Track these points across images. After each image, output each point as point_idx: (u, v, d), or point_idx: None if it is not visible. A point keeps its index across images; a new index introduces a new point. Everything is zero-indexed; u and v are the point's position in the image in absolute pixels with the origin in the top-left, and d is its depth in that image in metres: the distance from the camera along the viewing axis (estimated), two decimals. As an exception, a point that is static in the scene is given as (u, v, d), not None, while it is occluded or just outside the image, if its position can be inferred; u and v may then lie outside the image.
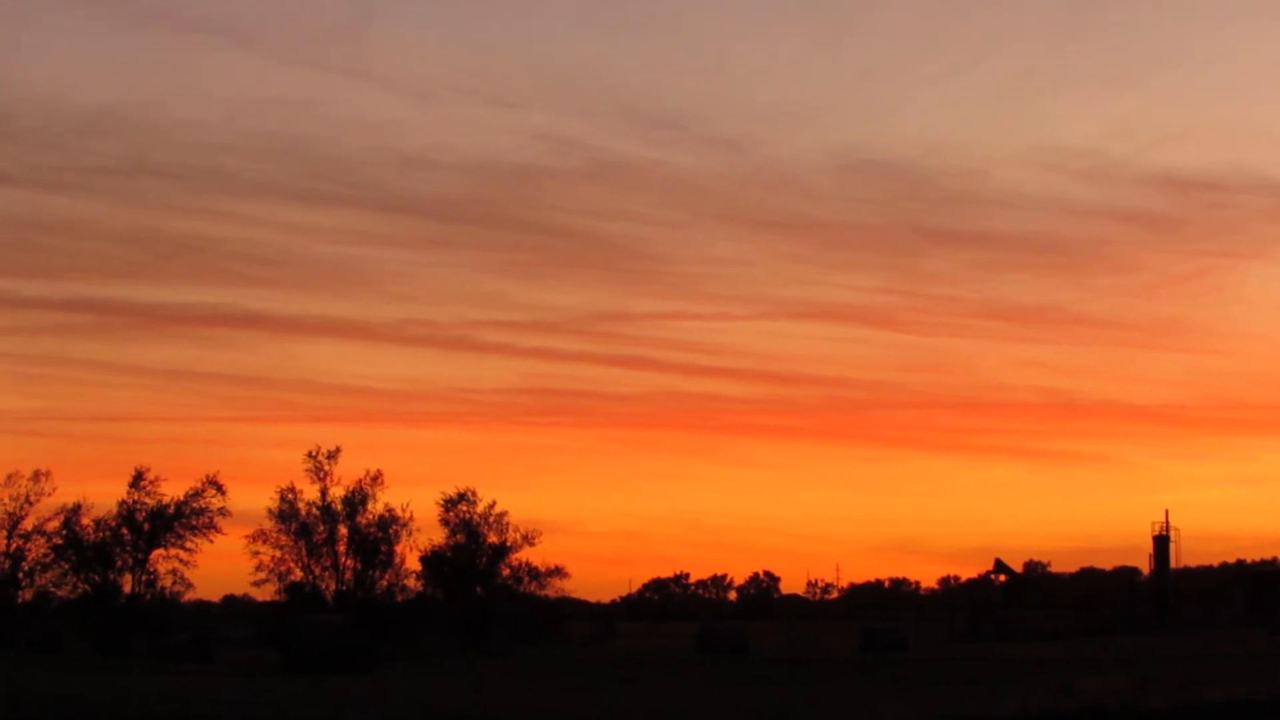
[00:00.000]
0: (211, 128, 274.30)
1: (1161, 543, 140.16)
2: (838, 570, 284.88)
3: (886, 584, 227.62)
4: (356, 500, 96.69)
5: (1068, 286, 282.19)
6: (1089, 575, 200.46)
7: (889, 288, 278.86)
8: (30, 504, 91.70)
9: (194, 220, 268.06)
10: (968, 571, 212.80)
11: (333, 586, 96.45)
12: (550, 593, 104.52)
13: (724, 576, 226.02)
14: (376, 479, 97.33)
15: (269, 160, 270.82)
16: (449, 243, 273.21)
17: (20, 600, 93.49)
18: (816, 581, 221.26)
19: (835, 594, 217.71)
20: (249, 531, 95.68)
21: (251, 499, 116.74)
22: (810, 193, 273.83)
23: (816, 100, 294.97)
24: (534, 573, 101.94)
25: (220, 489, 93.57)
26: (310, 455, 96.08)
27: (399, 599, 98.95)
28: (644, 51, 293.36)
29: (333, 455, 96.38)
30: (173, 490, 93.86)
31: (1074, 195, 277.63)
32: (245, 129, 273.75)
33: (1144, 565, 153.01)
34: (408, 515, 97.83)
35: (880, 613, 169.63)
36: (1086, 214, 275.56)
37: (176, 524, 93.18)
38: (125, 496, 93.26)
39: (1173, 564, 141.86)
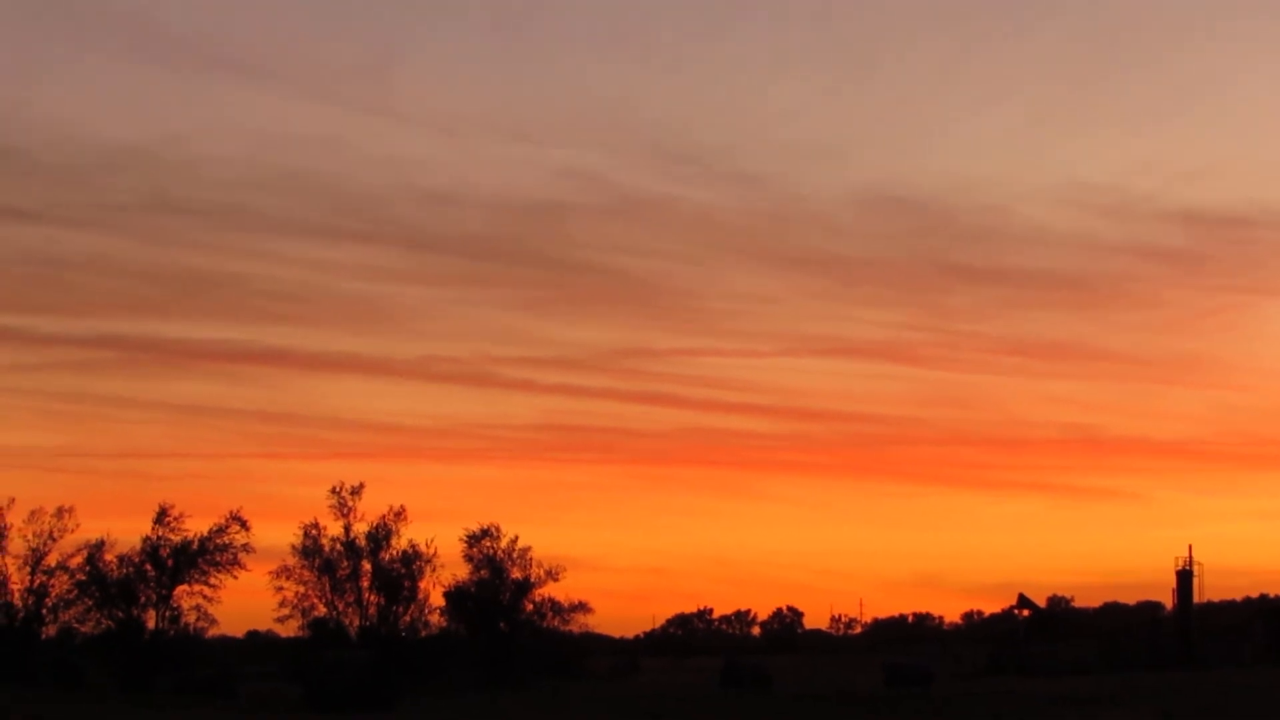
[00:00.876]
0: (234, 164, 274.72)
1: (1185, 578, 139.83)
2: (861, 605, 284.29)
3: (910, 619, 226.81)
4: (380, 536, 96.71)
5: (1090, 322, 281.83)
6: (1112, 610, 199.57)
7: (912, 324, 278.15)
8: (53, 540, 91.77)
9: (217, 256, 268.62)
10: (991, 606, 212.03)
11: (356, 622, 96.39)
12: (574, 628, 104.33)
13: (747, 612, 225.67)
14: (400, 515, 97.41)
15: (292, 196, 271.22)
16: (472, 279, 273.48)
17: (44, 636, 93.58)
18: (840, 616, 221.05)
19: (859, 629, 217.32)
20: (273, 567, 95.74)
21: (275, 535, 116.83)
22: (834, 229, 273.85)
23: (840, 137, 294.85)
24: (557, 608, 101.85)
25: (244, 525, 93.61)
26: (334, 491, 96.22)
27: (422, 635, 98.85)
28: (668, 88, 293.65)
29: (356, 491, 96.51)
30: (197, 526, 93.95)
31: (1097, 231, 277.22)
32: (268, 165, 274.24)
33: (1167, 600, 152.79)
34: (431, 551, 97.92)
35: (904, 647, 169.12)
36: (1109, 250, 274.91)
37: (200, 560, 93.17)
38: (149, 533, 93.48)
39: (1196, 599, 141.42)
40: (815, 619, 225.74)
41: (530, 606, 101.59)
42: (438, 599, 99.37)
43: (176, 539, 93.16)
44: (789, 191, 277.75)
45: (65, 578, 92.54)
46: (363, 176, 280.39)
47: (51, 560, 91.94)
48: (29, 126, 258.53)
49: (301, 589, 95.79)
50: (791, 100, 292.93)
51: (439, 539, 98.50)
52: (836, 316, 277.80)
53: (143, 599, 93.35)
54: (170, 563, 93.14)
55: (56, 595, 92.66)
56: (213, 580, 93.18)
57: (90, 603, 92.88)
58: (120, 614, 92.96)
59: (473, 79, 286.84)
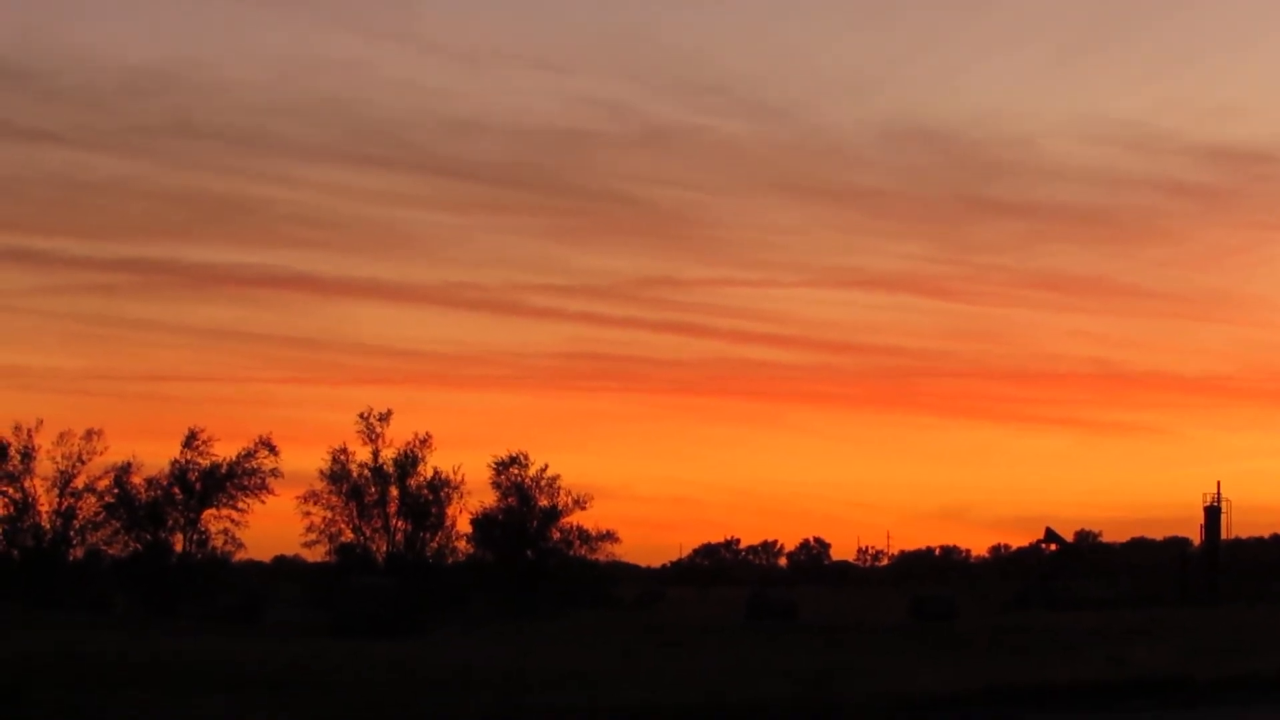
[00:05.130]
0: (259, 88, 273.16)
1: (1213, 514, 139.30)
2: (888, 537, 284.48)
3: (937, 552, 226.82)
4: (407, 463, 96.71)
5: (1117, 257, 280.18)
6: (1140, 546, 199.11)
7: (938, 257, 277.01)
8: (82, 463, 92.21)
9: (241, 181, 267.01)
10: (1018, 540, 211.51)
11: (383, 548, 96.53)
12: (600, 557, 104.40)
13: (774, 542, 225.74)
14: (426, 442, 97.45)
15: (316, 122, 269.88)
16: (497, 206, 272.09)
17: (71, 559, 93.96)
18: (867, 548, 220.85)
19: (885, 561, 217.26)
20: (300, 492, 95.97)
21: (303, 460, 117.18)
22: (859, 161, 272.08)
23: (867, 69, 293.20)
24: (585, 536, 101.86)
25: (273, 449, 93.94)
26: (362, 417, 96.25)
27: (449, 562, 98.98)
28: (694, 16, 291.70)
29: (384, 417, 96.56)
30: (225, 451, 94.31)
31: (1123, 166, 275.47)
32: (293, 90, 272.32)
33: (1195, 536, 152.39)
34: (459, 478, 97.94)
35: (930, 580, 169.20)
36: (1136, 185, 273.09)
37: (228, 484, 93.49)
38: (177, 456, 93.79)
39: (1224, 535, 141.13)
40: (842, 550, 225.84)
41: (557, 535, 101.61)
42: (464, 526, 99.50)
43: (205, 463, 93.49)
44: (815, 123, 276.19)
45: (93, 500, 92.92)
46: (387, 102, 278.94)
47: (79, 482, 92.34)
48: (53, 49, 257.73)
49: (329, 514, 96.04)
50: (818, 31, 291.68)
51: (464, 466, 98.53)
52: (861, 248, 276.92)
53: (170, 522, 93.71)
54: (198, 486, 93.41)
55: (84, 517, 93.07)
56: (240, 504, 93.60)
57: (118, 525, 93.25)
58: (148, 536, 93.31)
59: (498, 6, 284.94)
